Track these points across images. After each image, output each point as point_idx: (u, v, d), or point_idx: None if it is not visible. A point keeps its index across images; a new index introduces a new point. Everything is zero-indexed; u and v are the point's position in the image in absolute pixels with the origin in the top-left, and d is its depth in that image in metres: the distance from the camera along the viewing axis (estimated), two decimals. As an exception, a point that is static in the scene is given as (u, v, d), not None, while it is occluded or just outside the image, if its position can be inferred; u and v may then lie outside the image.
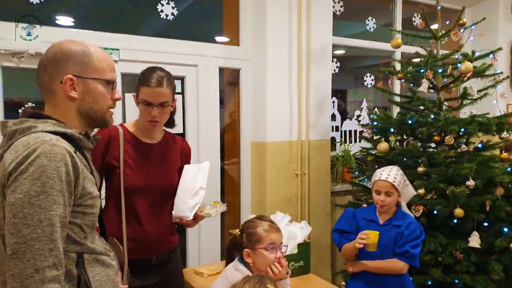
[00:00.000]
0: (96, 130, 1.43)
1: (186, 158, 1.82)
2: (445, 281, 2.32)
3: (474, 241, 2.30)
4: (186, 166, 1.73)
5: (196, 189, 1.64)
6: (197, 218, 1.67)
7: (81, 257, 1.05)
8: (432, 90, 2.74)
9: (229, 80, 3.32)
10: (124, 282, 1.45)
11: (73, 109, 1.10)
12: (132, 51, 2.56)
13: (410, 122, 2.60)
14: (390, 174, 2.04)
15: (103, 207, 1.56)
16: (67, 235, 1.01)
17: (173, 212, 1.65)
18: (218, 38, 3.15)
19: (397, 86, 3.73)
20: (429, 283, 2.38)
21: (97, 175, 1.19)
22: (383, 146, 2.76)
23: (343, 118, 3.73)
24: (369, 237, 1.92)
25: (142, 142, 1.64)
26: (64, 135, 1.04)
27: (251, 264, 1.55)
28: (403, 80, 2.87)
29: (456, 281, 2.30)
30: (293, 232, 2.08)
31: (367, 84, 3.76)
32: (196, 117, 2.88)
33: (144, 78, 1.57)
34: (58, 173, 0.96)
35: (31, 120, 1.04)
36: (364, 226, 2.09)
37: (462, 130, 2.45)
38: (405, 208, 2.11)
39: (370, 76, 3.75)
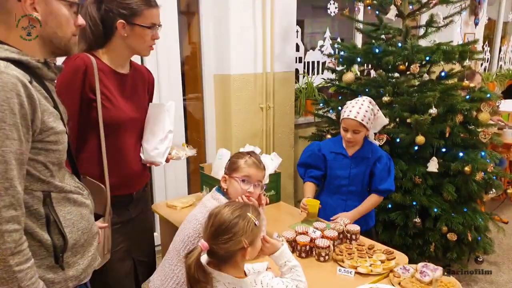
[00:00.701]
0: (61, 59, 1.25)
1: (152, 90, 1.71)
2: (404, 204, 2.48)
3: (433, 165, 2.44)
4: (150, 105, 1.64)
5: (165, 133, 1.59)
6: (167, 160, 1.65)
7: (49, 196, 0.98)
8: (393, 19, 2.69)
9: (185, 10, 3.05)
10: (106, 220, 1.41)
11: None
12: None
13: (377, 51, 2.57)
14: (360, 112, 1.94)
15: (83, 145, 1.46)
16: (31, 173, 0.94)
17: (143, 156, 1.59)
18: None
19: (360, 16, 3.65)
20: (389, 206, 2.53)
21: (64, 109, 1.07)
22: (348, 76, 2.74)
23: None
24: (306, 207, 1.95)
25: (117, 72, 1.49)
26: (18, 63, 0.91)
27: (226, 190, 1.58)
28: (369, 8, 2.79)
29: (414, 203, 2.46)
30: (265, 164, 2.07)
31: (331, 13, 3.64)
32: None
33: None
34: (9, 105, 0.85)
35: None
36: (332, 159, 2.11)
37: (427, 58, 2.47)
38: (371, 138, 2.14)
39: (334, 3, 3.61)
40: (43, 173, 0.97)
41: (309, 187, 2.15)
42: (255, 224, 1.17)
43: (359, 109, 1.96)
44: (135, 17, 1.41)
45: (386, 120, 2.15)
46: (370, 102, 2.01)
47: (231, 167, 1.58)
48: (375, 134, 2.45)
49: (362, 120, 1.95)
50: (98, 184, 1.38)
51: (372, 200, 2.07)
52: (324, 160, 2.13)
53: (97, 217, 1.35)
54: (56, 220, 0.98)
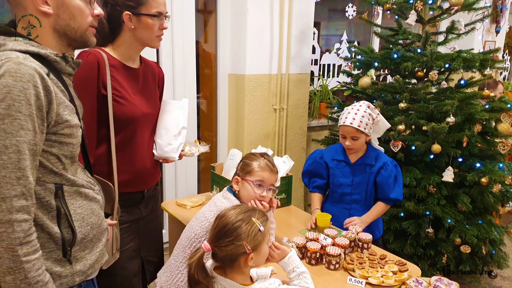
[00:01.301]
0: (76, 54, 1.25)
1: (162, 85, 1.69)
2: (417, 213, 2.42)
3: (448, 175, 2.37)
4: (164, 102, 1.63)
5: (179, 129, 1.59)
6: (180, 157, 1.63)
7: (61, 188, 0.98)
8: (413, 24, 2.64)
9: (202, 8, 3.04)
10: (114, 218, 1.40)
11: (48, 26, 0.97)
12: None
13: (395, 56, 2.52)
14: (356, 117, 1.88)
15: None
16: (44, 165, 0.95)
17: (156, 152, 1.57)
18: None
19: (379, 20, 3.60)
20: (401, 214, 2.48)
21: (80, 104, 1.07)
22: (365, 80, 2.69)
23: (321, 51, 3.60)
24: (314, 222, 1.91)
25: (128, 67, 1.48)
26: (37, 56, 0.93)
27: (238, 192, 1.55)
28: (389, 12, 2.74)
29: (427, 212, 2.41)
30: (277, 166, 2.04)
31: (348, 16, 3.59)
32: (170, 44, 2.64)
33: None
34: (25, 96, 0.86)
35: (1, 38, 0.93)
36: (334, 167, 2.06)
37: (447, 66, 2.41)
38: (375, 144, 2.07)
39: (352, 6, 3.57)
40: (56, 166, 0.97)
41: (316, 198, 2.12)
42: (260, 230, 1.14)
43: (355, 114, 1.90)
44: (140, 6, 1.40)
45: (388, 124, 2.07)
46: (368, 107, 1.95)
47: (244, 169, 1.54)
48: (389, 140, 2.41)
49: (359, 126, 1.89)
50: (105, 182, 1.36)
51: (379, 208, 2.01)
52: (327, 167, 2.09)
53: (105, 216, 1.35)
54: (66, 213, 0.98)
